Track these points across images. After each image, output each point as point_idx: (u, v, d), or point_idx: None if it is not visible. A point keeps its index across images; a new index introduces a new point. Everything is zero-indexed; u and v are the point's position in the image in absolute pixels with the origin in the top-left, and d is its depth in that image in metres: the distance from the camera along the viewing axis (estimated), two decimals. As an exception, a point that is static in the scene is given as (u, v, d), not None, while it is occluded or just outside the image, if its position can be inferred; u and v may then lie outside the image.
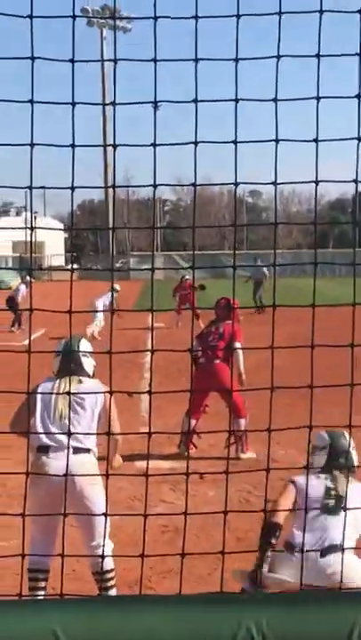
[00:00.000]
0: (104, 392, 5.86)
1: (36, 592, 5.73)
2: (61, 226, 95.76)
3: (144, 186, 2.66)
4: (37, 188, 2.57)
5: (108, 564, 5.95)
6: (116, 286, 25.00)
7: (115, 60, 2.44)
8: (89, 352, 6.51)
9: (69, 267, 71.67)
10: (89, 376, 6.40)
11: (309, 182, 2.69)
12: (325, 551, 5.11)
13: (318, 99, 2.60)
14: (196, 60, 2.33)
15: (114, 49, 2.49)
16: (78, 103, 2.46)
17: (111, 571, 6.00)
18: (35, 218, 79.87)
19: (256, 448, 10.77)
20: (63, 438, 5.80)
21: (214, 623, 2.01)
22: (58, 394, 6.04)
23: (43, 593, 5.81)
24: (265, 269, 34.43)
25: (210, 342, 11.26)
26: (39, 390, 6.12)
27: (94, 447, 6.08)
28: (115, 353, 2.85)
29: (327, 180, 2.71)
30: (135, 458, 9.32)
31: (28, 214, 79.85)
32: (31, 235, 2.72)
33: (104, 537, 4.21)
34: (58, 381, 6.26)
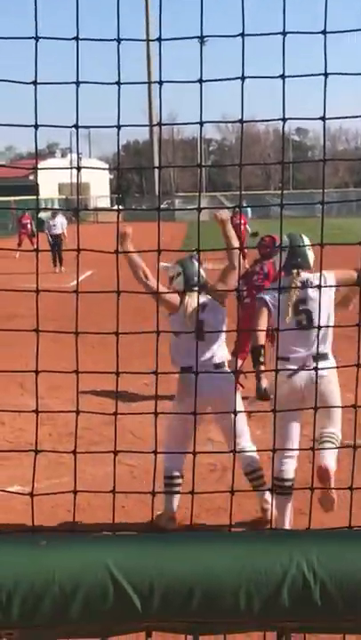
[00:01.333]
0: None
1: (172, 494, 6.67)
2: (106, 167, 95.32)
3: (191, 123, 2.63)
4: (83, 127, 2.54)
5: (255, 463, 6.84)
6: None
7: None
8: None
9: (115, 207, 71.69)
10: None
11: (359, 117, 2.64)
12: (311, 360, 6.23)
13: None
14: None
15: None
16: (123, 40, 2.42)
17: (260, 469, 6.85)
18: (80, 159, 79.55)
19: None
20: (205, 357, 6.55)
21: (265, 559, 2.03)
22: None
23: (178, 495, 6.70)
24: (246, 210, 33.07)
25: (255, 282, 11.22)
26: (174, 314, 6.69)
27: (227, 358, 6.90)
28: (161, 293, 2.85)
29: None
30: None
31: (74, 156, 79.73)
32: (78, 175, 2.70)
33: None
34: (188, 298, 6.68)
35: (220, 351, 6.79)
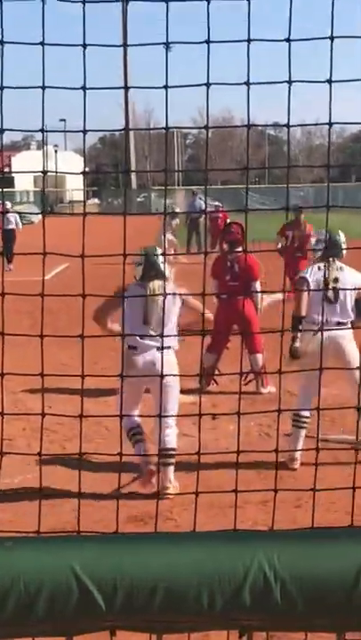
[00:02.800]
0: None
1: (139, 443, 7.52)
2: (82, 160, 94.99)
3: (158, 128, 2.66)
4: (51, 132, 2.56)
5: (172, 443, 7.50)
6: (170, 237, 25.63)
7: (125, 0, 2.40)
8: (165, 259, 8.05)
9: (90, 202, 71.56)
10: (166, 280, 7.50)
11: (323, 124, 2.66)
12: (333, 326, 7.80)
13: (332, 39, 2.55)
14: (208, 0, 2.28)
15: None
16: (90, 45, 2.43)
17: (173, 450, 7.49)
18: (55, 152, 79.51)
19: (275, 381, 10.82)
20: (149, 339, 7.29)
21: (228, 559, 2.07)
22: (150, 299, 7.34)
23: (143, 442, 7.58)
24: (201, 204, 32.49)
25: (228, 282, 11.03)
26: (129, 294, 7.09)
27: (174, 344, 7.53)
28: (132, 297, 2.87)
29: (341, 122, 2.67)
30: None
31: (49, 148, 79.48)
32: (44, 179, 2.71)
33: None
34: (145, 286, 7.38)
35: (167, 338, 7.19)
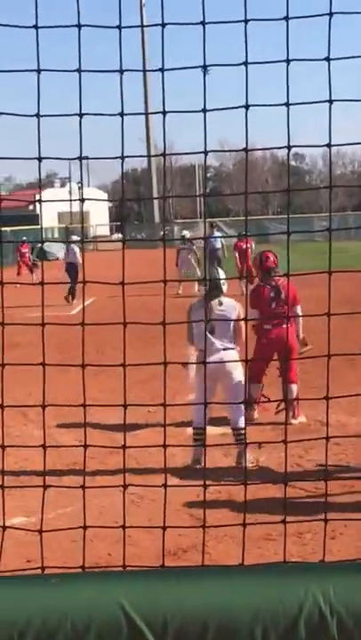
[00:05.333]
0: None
1: (196, 447, 8.47)
2: (105, 196, 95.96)
3: (196, 153, 2.63)
4: (86, 159, 2.53)
5: (241, 423, 8.81)
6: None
7: (162, 25, 2.38)
8: (224, 278, 9.33)
9: (114, 237, 72.11)
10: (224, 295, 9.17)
11: (355, 144, 2.63)
12: None
13: (329, 60, 2.51)
14: (246, 22, 2.26)
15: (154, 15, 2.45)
16: (126, 70, 2.41)
17: (243, 429, 8.74)
18: (79, 188, 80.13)
19: (305, 412, 10.72)
20: (215, 342, 8.78)
21: (280, 594, 2.00)
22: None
23: (202, 445, 7.99)
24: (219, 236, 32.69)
25: (275, 310, 10.78)
26: (195, 311, 9.01)
27: (236, 346, 9.05)
28: (168, 324, 2.84)
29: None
30: (187, 424, 9.33)
31: (73, 185, 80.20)
32: (81, 207, 2.69)
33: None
34: (208, 302, 8.66)
35: (229, 342, 9.02)
